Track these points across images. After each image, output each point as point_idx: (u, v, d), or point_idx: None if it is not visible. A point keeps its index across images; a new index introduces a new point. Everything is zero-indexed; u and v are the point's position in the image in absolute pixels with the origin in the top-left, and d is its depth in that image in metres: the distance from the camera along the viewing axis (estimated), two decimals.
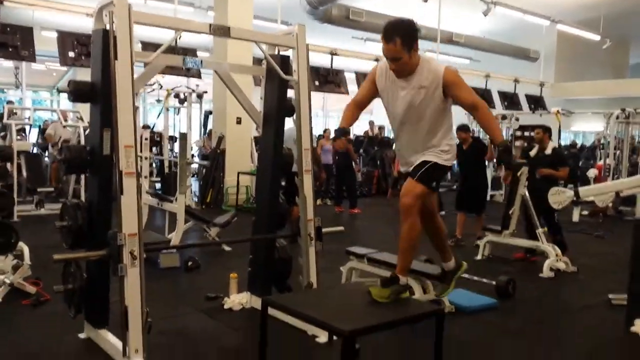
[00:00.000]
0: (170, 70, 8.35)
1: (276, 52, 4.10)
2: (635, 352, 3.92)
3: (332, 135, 11.78)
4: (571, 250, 6.30)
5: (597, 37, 16.04)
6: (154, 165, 11.38)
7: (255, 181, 4.82)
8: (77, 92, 3.56)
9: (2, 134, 9.32)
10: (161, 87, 10.75)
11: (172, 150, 12.37)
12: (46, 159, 10.58)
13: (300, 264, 4.11)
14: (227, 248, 6.43)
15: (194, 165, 11.89)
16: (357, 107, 3.24)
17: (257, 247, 4.41)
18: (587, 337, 4.10)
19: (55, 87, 19.16)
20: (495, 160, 7.03)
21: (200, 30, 3.69)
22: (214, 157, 10.06)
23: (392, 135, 18.70)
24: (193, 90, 10.59)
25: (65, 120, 10.25)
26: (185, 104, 10.67)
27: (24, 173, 8.57)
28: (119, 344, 3.24)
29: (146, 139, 6.99)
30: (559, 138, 12.43)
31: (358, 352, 3.39)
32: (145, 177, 6.74)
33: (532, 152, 6.63)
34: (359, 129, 19.55)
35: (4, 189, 5.86)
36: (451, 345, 3.45)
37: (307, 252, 4.02)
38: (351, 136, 14.22)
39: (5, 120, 9.14)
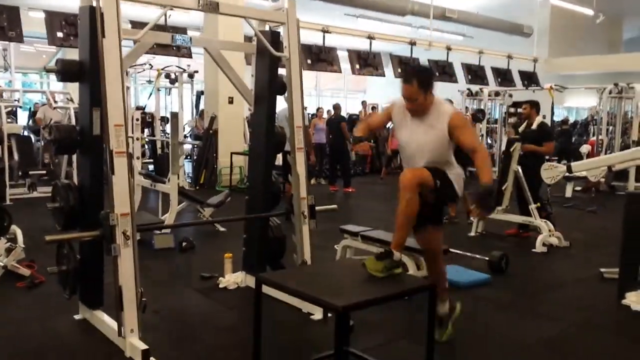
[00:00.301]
0: (161, 50, 8.27)
1: (267, 29, 4.05)
2: (626, 324, 3.97)
3: (325, 113, 11.73)
4: (564, 225, 6.33)
5: (590, 12, 15.96)
6: (146, 146, 11.32)
7: (248, 160, 4.80)
8: (65, 71, 3.50)
9: None
10: (151, 67, 10.65)
11: (164, 131, 12.29)
12: (38, 142, 10.50)
13: (294, 242, 4.11)
14: (221, 228, 6.43)
15: (187, 147, 11.84)
16: (369, 129, 3.63)
17: (251, 226, 4.41)
18: (579, 310, 4.14)
19: (43, 67, 18.92)
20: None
21: (188, 6, 3.63)
22: (207, 138, 10.01)
23: None
24: (184, 70, 10.50)
25: (55, 102, 10.14)
26: (177, 84, 10.59)
27: (15, 156, 8.51)
28: (114, 324, 3.25)
29: (137, 119, 6.93)
30: (552, 114, 12.44)
31: (352, 328, 3.43)
32: (138, 158, 6.70)
33: (521, 128, 6.63)
34: (353, 108, 19.50)
35: None
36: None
37: (301, 230, 4.02)
38: (345, 114, 14.17)
39: None
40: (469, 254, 5.37)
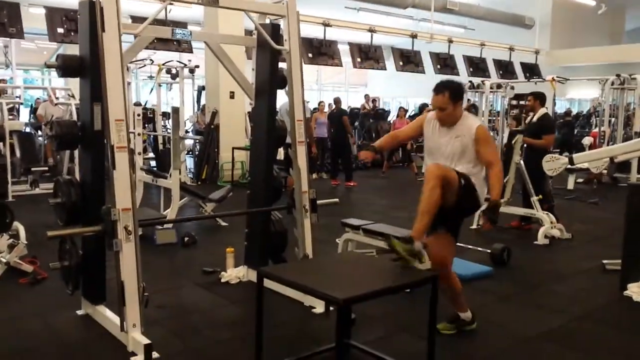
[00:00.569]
0: (162, 45, 8.28)
1: (267, 22, 4.04)
2: (628, 315, 3.97)
3: (327, 107, 11.72)
4: (566, 217, 6.33)
5: (592, 3, 15.90)
6: (147, 142, 11.32)
7: (249, 154, 4.80)
8: (66, 67, 3.51)
9: None
10: (152, 62, 10.63)
11: (165, 126, 12.30)
12: (39, 138, 10.51)
13: (296, 236, 4.12)
14: (223, 223, 6.44)
15: (189, 142, 11.84)
16: (397, 140, 3.85)
17: (253, 220, 4.41)
18: (582, 302, 4.14)
19: (44, 63, 18.92)
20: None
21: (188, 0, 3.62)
22: (208, 133, 10.00)
23: (387, 108, 18.65)
24: (185, 65, 10.48)
25: (56, 98, 10.14)
26: (178, 79, 10.57)
27: (17, 153, 8.52)
28: (116, 319, 3.26)
29: (139, 115, 6.92)
30: (554, 106, 12.39)
31: (354, 321, 3.44)
32: (139, 153, 6.70)
33: (528, 120, 6.59)
34: (354, 101, 19.46)
35: None
36: (448, 311, 3.50)
37: (303, 224, 4.02)
38: (346, 108, 14.15)
39: None
40: (470, 246, 5.37)
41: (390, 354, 3.04)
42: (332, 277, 2.74)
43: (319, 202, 4.12)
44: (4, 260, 4.43)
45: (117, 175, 3.11)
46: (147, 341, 3.04)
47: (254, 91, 4.22)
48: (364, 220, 5.06)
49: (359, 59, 9.96)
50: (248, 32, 8.53)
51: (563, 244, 5.81)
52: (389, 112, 16.24)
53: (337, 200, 4.75)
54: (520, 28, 16.92)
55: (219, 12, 9.12)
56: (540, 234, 5.78)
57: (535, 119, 6.32)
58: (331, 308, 3.70)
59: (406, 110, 13.28)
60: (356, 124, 13.89)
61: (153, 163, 10.58)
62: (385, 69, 10.65)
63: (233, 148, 9.60)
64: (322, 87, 23.31)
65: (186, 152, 11.40)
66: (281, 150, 9.45)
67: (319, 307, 3.78)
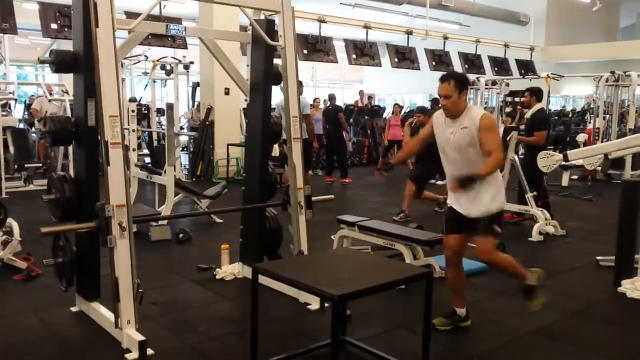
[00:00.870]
0: (156, 41, 8.23)
1: (262, 18, 4.02)
2: (622, 311, 3.99)
3: (322, 104, 11.71)
4: (560, 214, 6.35)
5: (587, 0, 15.91)
6: (142, 138, 11.28)
7: (244, 150, 4.79)
8: (59, 62, 3.49)
9: None
10: (147, 58, 10.58)
11: (159, 123, 12.25)
12: (33, 134, 10.45)
13: (291, 233, 4.11)
14: (218, 220, 6.43)
15: (183, 138, 11.81)
16: (410, 154, 4.33)
17: (248, 217, 4.41)
18: (576, 298, 4.16)
19: (38, 59, 18.80)
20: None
21: None
22: (203, 129, 9.98)
23: (382, 105, 18.64)
24: (179, 61, 10.44)
25: (51, 94, 10.09)
26: (172, 75, 10.53)
27: (11, 149, 8.47)
28: (111, 316, 3.25)
29: (133, 111, 6.89)
30: (548, 103, 12.42)
31: (349, 317, 3.44)
32: (134, 150, 6.67)
33: (526, 115, 6.61)
34: (349, 98, 19.45)
35: None
36: (443, 308, 3.51)
37: (297, 220, 4.02)
38: (342, 104, 14.14)
39: None
40: None
41: (386, 350, 3.04)
42: (327, 273, 2.74)
43: (314, 198, 4.12)
44: None
45: (112, 171, 3.10)
46: (142, 338, 3.04)
47: (249, 87, 4.21)
48: (359, 217, 5.07)
49: (354, 56, 9.94)
50: (243, 28, 8.50)
51: (557, 240, 5.84)
52: (384, 108, 16.25)
53: (332, 196, 4.75)
54: (515, 25, 16.94)
55: (213, 8, 9.09)
56: (535, 231, 5.80)
57: (529, 114, 6.34)
58: (326, 304, 3.70)
59: (401, 107, 13.28)
60: (351, 120, 13.88)
61: (147, 159, 10.54)
62: (381, 66, 10.63)
63: (228, 144, 9.58)
64: (318, 84, 23.27)
65: (181, 148, 11.37)
66: (276, 147, 9.46)
67: (314, 303, 3.78)
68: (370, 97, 15.85)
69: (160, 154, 9.79)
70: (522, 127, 6.57)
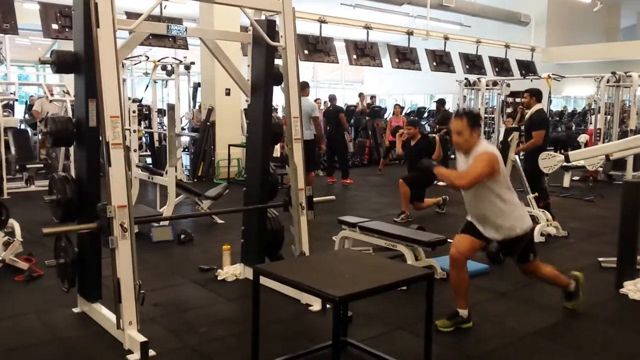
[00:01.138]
0: (157, 41, 8.24)
1: (262, 18, 4.02)
2: (624, 312, 3.98)
3: (323, 105, 11.70)
4: (562, 215, 6.34)
5: (588, 0, 15.90)
6: (143, 139, 11.28)
7: (246, 151, 4.79)
8: (60, 62, 3.48)
9: None
10: (148, 59, 10.59)
11: (161, 123, 12.25)
12: (34, 135, 10.45)
13: (292, 233, 4.11)
14: (219, 220, 6.42)
15: (185, 139, 11.81)
16: None
17: (249, 218, 4.40)
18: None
19: (39, 59, 18.80)
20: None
21: None
22: (204, 130, 9.98)
23: (382, 105, 18.64)
24: (180, 62, 10.44)
25: (52, 94, 10.09)
26: (173, 76, 10.54)
27: (12, 150, 8.48)
28: (112, 317, 3.25)
29: (134, 112, 6.89)
30: (549, 103, 12.42)
31: (351, 319, 3.44)
32: (135, 150, 6.68)
33: (527, 116, 6.63)
34: (350, 99, 19.44)
35: None
36: (444, 309, 3.50)
37: (299, 221, 4.02)
38: (342, 105, 14.13)
39: None
40: None
41: (387, 351, 3.04)
42: (329, 274, 2.74)
43: (315, 199, 4.11)
44: None
45: (113, 172, 3.10)
46: (144, 339, 3.04)
47: (250, 88, 4.21)
48: (361, 218, 5.07)
49: (355, 56, 9.94)
50: (244, 29, 8.51)
51: (559, 241, 5.82)
52: (385, 109, 16.24)
53: (333, 197, 4.75)
54: (516, 25, 16.94)
55: (214, 8, 9.09)
56: (536, 232, 5.77)
57: (527, 115, 6.36)
58: (328, 306, 3.70)
59: (402, 108, 13.27)
60: (352, 121, 13.88)
61: (149, 160, 10.55)
62: (382, 66, 10.63)
63: (229, 145, 9.57)
64: (318, 84, 23.26)
65: (182, 149, 11.38)
66: (277, 148, 9.46)
67: (316, 304, 3.78)
68: (372, 97, 15.82)
69: (161, 154, 9.78)
70: (523, 127, 6.58)
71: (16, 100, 11.07)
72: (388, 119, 13.17)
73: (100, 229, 3.17)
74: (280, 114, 9.23)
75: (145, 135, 11.26)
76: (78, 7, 3.31)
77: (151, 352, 3.05)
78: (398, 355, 2.99)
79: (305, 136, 8.22)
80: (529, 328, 3.59)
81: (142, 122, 10.49)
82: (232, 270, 4.45)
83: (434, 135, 8.05)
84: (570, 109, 18.89)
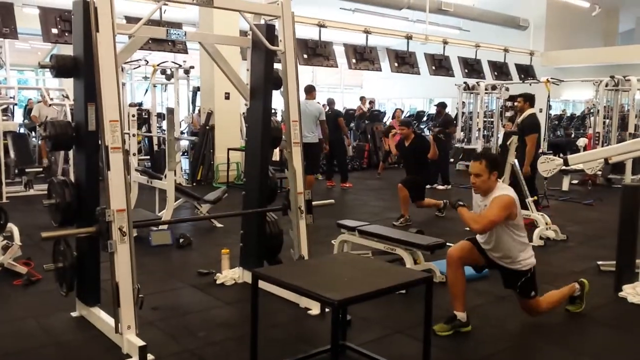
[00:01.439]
0: (157, 45, 8.25)
1: (262, 22, 4.03)
2: (623, 316, 3.98)
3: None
4: (561, 219, 6.34)
5: (586, 4, 15.96)
6: (142, 143, 11.28)
7: (245, 155, 4.79)
8: (60, 67, 3.49)
9: None
10: (147, 63, 10.60)
11: (160, 127, 12.26)
12: (34, 139, 10.46)
13: (291, 237, 4.11)
14: (218, 224, 6.42)
15: (184, 143, 11.81)
16: None
17: (248, 221, 4.40)
18: None
19: (38, 63, 18.82)
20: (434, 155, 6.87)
21: (183, 0, 3.61)
22: (203, 134, 9.98)
23: (382, 109, 18.65)
24: (180, 66, 10.46)
25: (51, 99, 10.10)
26: (172, 80, 10.55)
27: (11, 153, 8.48)
28: (111, 321, 3.24)
29: (133, 116, 6.89)
30: (548, 107, 12.45)
31: (349, 322, 3.44)
32: (134, 154, 6.68)
33: (517, 120, 6.69)
34: (350, 103, 19.47)
35: None
36: (443, 313, 3.50)
37: (298, 225, 4.02)
38: (342, 109, 14.14)
39: None
40: None
41: (386, 355, 3.03)
42: (328, 278, 2.74)
43: (314, 203, 4.11)
44: None
45: (112, 176, 3.10)
46: (142, 343, 3.03)
47: (249, 92, 4.21)
48: (360, 222, 5.07)
49: (354, 60, 9.95)
50: (243, 33, 8.53)
51: (558, 245, 5.83)
52: (384, 113, 16.26)
53: (332, 201, 4.75)
54: (514, 29, 16.98)
55: (213, 13, 9.11)
56: (535, 235, 5.78)
57: (519, 119, 6.43)
58: (327, 309, 3.70)
59: (402, 112, 13.29)
60: (352, 125, 13.90)
61: (148, 164, 10.54)
62: (381, 70, 10.65)
63: (228, 149, 9.58)
64: (318, 89, 23.25)
65: (181, 152, 11.38)
66: (276, 151, 9.47)
67: (315, 308, 3.77)
68: (371, 102, 15.85)
69: (160, 158, 9.78)
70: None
71: (15, 104, 11.09)
72: (388, 123, 13.18)
73: (99, 233, 3.16)
74: (279, 117, 9.26)
75: (145, 139, 11.27)
76: (78, 11, 3.32)
77: (150, 356, 3.05)
78: (397, 359, 2.99)
79: (312, 139, 8.28)
80: (529, 331, 3.59)
81: (141, 126, 10.50)
82: (231, 274, 4.45)
83: (428, 134, 8.08)
84: (569, 113, 18.90)
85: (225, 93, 9.73)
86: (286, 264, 4.08)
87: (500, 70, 12.36)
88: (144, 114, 11.03)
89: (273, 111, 5.27)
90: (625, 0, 18.54)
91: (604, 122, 10.74)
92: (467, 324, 3.53)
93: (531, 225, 6.29)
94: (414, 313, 3.61)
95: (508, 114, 12.16)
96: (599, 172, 9.31)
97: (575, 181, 10.01)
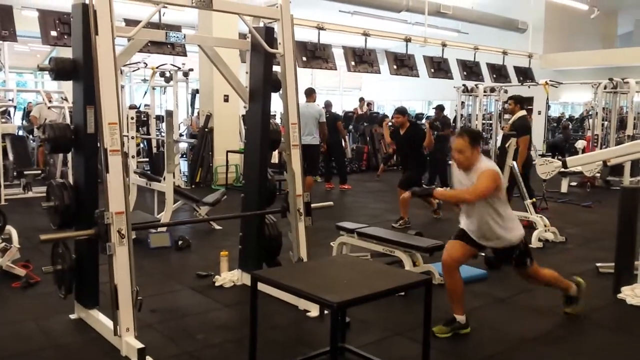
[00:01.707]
0: (156, 48, 8.25)
1: (261, 25, 4.04)
2: (622, 317, 3.98)
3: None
4: (559, 221, 6.34)
5: (585, 7, 15.96)
6: (141, 145, 11.29)
7: (244, 157, 4.79)
8: (59, 69, 3.50)
9: None
10: (146, 65, 10.60)
11: (159, 130, 12.26)
12: (32, 142, 10.46)
13: (290, 239, 4.11)
14: (217, 227, 6.42)
15: (183, 145, 11.81)
16: None
17: (247, 224, 4.40)
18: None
19: (37, 66, 18.82)
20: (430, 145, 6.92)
21: (182, 3, 3.62)
22: (202, 136, 9.98)
23: (381, 111, 18.67)
24: (179, 68, 10.46)
25: (50, 101, 10.09)
26: (172, 82, 10.55)
27: (10, 156, 8.48)
28: (110, 323, 3.24)
29: (132, 118, 6.90)
30: (547, 110, 12.46)
31: (348, 324, 3.43)
32: (133, 157, 6.68)
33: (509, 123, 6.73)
34: (348, 105, 19.48)
35: None
36: (442, 315, 3.50)
37: (297, 227, 4.02)
38: (340, 111, 14.16)
39: None
40: None
41: (385, 357, 3.04)
42: (327, 280, 2.74)
43: (313, 205, 4.11)
44: None
45: (111, 178, 3.10)
46: (141, 345, 3.03)
47: (248, 94, 4.22)
48: (359, 224, 5.07)
49: (353, 63, 9.95)
50: (242, 36, 8.52)
51: (557, 247, 5.83)
52: (383, 115, 16.26)
53: (331, 203, 4.75)
54: (513, 32, 16.99)
55: (213, 16, 9.11)
56: (534, 237, 5.79)
57: (510, 122, 6.48)
58: (326, 312, 3.70)
59: None
60: (350, 127, 13.90)
61: (147, 166, 10.54)
62: (380, 73, 10.64)
63: (227, 151, 9.58)
64: (317, 91, 23.26)
65: (180, 155, 11.38)
66: (275, 154, 9.47)
67: (314, 310, 3.77)
68: (369, 104, 15.85)
69: (159, 161, 9.78)
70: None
71: (14, 106, 11.08)
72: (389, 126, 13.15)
73: (97, 235, 3.16)
74: (278, 120, 9.26)
75: (144, 141, 11.27)
76: (77, 14, 3.32)
77: (148, 359, 3.04)
78: None
79: (312, 141, 8.30)
80: (528, 333, 3.59)
81: (140, 129, 10.50)
82: (229, 277, 4.45)
83: (423, 123, 8.08)
84: (567, 115, 18.91)
85: (224, 95, 9.74)
86: (285, 266, 4.08)
87: (499, 72, 12.36)
88: (142, 116, 11.04)
89: (272, 114, 5.27)
90: (623, 2, 18.55)
91: (603, 125, 10.75)
92: (466, 326, 3.54)
93: (530, 227, 6.32)
94: (413, 315, 3.60)
95: (507, 116, 12.17)
96: (598, 174, 9.33)
97: (574, 183, 10.02)
